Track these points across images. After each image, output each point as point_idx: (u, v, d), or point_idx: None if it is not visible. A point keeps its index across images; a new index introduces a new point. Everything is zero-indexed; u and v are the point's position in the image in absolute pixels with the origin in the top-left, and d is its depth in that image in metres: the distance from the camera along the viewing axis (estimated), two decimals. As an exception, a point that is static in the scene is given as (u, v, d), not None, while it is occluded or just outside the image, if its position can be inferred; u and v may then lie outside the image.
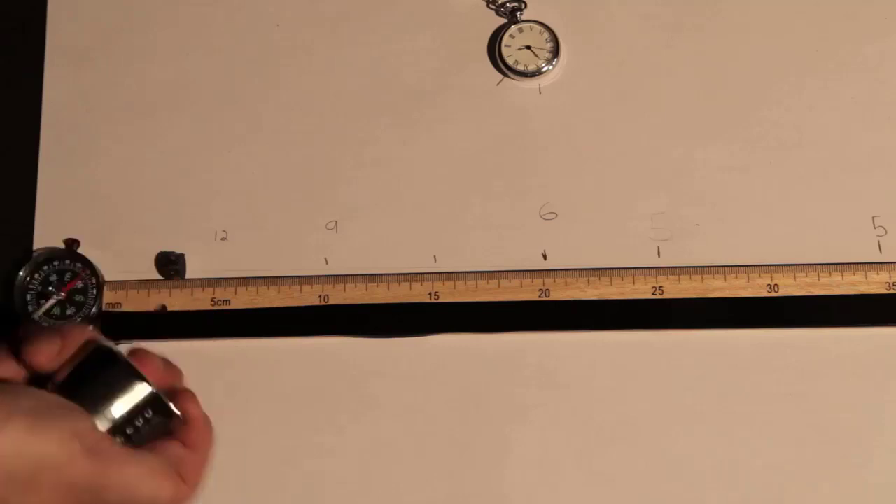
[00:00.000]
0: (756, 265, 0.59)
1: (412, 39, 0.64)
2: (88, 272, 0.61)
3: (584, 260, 0.60)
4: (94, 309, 0.60)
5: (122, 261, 0.62)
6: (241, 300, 0.60)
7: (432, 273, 0.60)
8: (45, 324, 0.60)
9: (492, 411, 0.59)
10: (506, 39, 0.63)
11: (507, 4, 0.64)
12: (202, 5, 0.66)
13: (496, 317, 0.59)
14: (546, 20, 0.64)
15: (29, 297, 0.60)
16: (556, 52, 0.63)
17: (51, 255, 0.61)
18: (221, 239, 0.62)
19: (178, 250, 0.62)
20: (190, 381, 0.59)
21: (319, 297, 0.60)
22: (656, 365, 0.59)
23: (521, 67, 0.63)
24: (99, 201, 0.63)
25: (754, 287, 0.59)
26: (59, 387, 0.48)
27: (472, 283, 0.60)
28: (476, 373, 0.59)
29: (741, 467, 0.57)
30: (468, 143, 0.63)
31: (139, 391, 0.48)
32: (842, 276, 0.59)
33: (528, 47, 0.63)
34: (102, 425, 0.47)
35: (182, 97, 0.64)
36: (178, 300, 0.60)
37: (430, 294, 0.60)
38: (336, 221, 0.62)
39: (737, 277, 0.59)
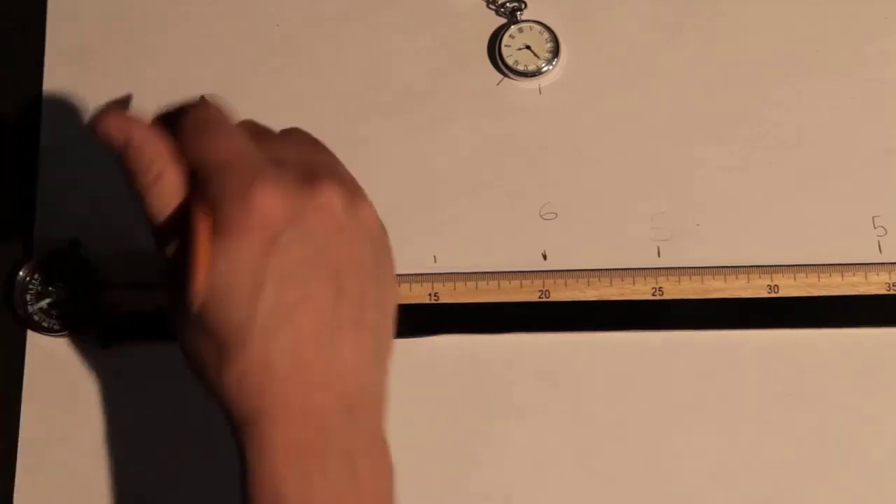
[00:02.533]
0: (756, 266, 0.59)
1: (412, 39, 0.64)
2: (89, 273, 0.61)
3: (584, 260, 0.60)
4: (94, 310, 0.60)
5: (122, 261, 0.62)
6: (242, 300, 0.60)
7: (432, 274, 0.60)
8: (44, 324, 0.60)
9: (492, 411, 0.59)
10: (506, 39, 0.63)
11: (507, 4, 0.64)
12: (202, 5, 0.65)
13: (496, 318, 0.59)
14: (546, 20, 0.64)
15: (29, 297, 0.60)
16: (556, 52, 0.63)
17: (51, 255, 0.61)
18: (221, 239, 0.62)
19: (178, 250, 0.61)
20: (190, 383, 0.60)
21: (319, 297, 0.60)
22: (656, 365, 0.59)
23: (521, 67, 0.63)
24: (99, 201, 0.63)
25: (754, 288, 0.59)
26: None
27: (471, 283, 0.60)
28: (476, 373, 0.59)
29: (741, 467, 0.57)
30: (468, 143, 0.63)
31: None
32: (842, 276, 0.59)
33: (528, 47, 0.63)
34: None
35: (182, 97, 0.64)
36: (178, 300, 0.60)
37: (429, 295, 0.60)
38: (336, 222, 0.62)
39: (737, 278, 0.59)
